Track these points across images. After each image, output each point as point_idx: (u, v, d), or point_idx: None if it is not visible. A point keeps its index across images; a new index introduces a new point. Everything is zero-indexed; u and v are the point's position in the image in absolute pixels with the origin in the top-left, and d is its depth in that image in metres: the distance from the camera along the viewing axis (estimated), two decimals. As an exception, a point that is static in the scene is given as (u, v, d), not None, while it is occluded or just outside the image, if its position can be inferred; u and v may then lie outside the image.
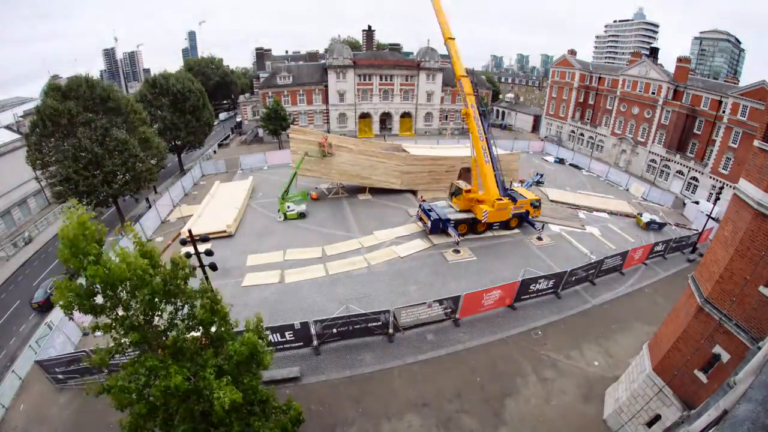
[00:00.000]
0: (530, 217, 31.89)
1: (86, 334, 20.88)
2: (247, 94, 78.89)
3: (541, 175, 44.86)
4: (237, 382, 9.73)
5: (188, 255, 14.77)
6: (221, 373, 9.41)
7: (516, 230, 32.26)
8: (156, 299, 8.98)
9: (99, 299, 8.72)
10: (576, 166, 52.87)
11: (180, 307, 9.84)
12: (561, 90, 66.28)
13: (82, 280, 8.62)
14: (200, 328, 9.99)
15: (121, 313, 8.96)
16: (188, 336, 9.90)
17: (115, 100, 31.83)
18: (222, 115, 79.94)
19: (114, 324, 8.95)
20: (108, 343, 9.30)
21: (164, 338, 9.71)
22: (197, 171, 46.77)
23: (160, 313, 9.48)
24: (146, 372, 8.76)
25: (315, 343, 19.36)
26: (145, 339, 9.09)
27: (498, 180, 29.74)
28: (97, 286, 8.37)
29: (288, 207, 33.42)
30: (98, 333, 9.12)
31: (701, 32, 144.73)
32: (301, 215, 33.79)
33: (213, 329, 10.18)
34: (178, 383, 8.35)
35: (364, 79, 64.12)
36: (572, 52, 64.25)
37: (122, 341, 9.10)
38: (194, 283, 10.47)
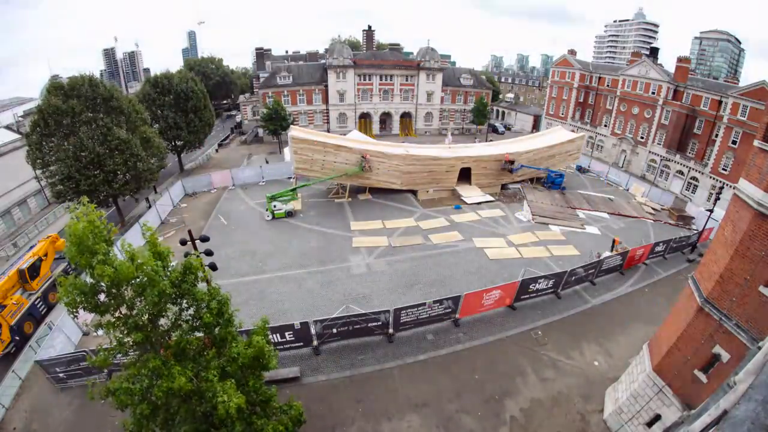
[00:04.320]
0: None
1: (86, 333, 20.89)
2: (247, 94, 78.94)
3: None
4: (240, 384, 9.73)
5: (187, 255, 14.81)
6: (224, 374, 9.39)
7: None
8: (163, 300, 8.98)
9: (102, 297, 8.73)
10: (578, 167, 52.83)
11: (185, 308, 9.83)
12: (561, 90, 66.29)
13: (87, 278, 8.63)
14: (204, 329, 9.97)
15: (124, 311, 8.97)
16: (191, 337, 9.88)
17: (118, 99, 31.87)
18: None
19: (117, 323, 8.97)
20: (110, 342, 9.31)
21: (167, 338, 9.70)
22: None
23: (165, 314, 9.48)
24: (149, 373, 8.76)
25: (315, 343, 19.38)
26: (148, 339, 9.09)
27: None
28: (103, 284, 8.38)
29: (275, 206, 33.50)
30: (100, 331, 9.14)
31: (701, 32, 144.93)
32: (289, 214, 33.92)
33: (217, 330, 10.18)
34: (182, 384, 8.34)
35: (364, 79, 64.13)
36: (572, 52, 64.26)
37: (125, 341, 9.10)
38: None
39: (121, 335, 9.12)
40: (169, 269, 9.49)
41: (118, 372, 10.22)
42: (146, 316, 9.04)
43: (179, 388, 8.37)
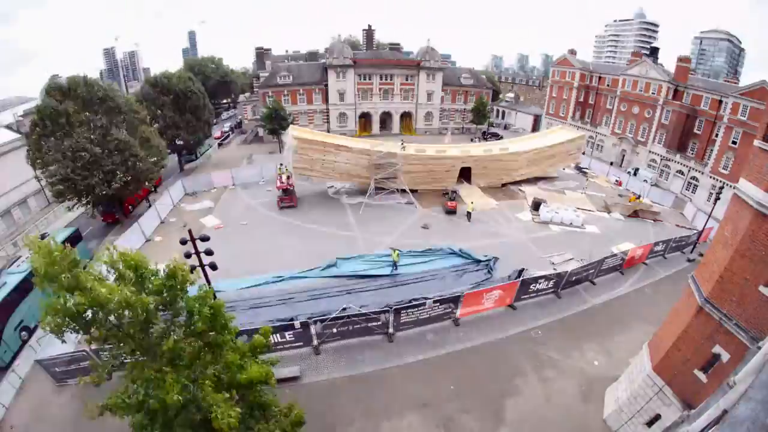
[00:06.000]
0: None
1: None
2: (247, 94, 78.83)
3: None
4: (238, 387, 9.61)
5: (188, 255, 14.75)
6: (220, 384, 9.21)
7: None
8: (149, 313, 8.66)
9: (89, 313, 8.42)
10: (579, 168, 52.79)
11: (176, 316, 9.57)
12: (561, 89, 66.23)
13: (69, 302, 8.20)
14: (198, 337, 9.67)
15: (114, 322, 8.67)
16: (185, 344, 9.54)
17: (114, 99, 31.83)
18: (224, 116, 75.50)
19: (108, 335, 8.69)
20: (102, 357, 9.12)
21: (161, 345, 9.48)
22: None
23: (154, 323, 9.16)
24: (143, 384, 8.61)
25: (315, 342, 19.38)
26: (140, 348, 8.91)
27: None
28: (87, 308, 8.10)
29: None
30: (93, 346, 8.96)
31: (701, 32, 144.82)
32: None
33: (211, 337, 9.90)
34: (174, 401, 8.13)
35: (364, 79, 64.10)
36: (572, 52, 64.22)
37: (117, 352, 8.92)
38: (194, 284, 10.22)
39: (115, 347, 8.93)
40: (150, 279, 9.07)
41: (118, 372, 10.07)
42: (137, 328, 8.77)
43: (174, 401, 8.18)
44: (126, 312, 8.55)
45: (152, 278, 9.12)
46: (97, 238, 32.35)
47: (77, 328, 8.25)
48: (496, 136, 65.65)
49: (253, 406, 10.49)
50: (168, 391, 8.17)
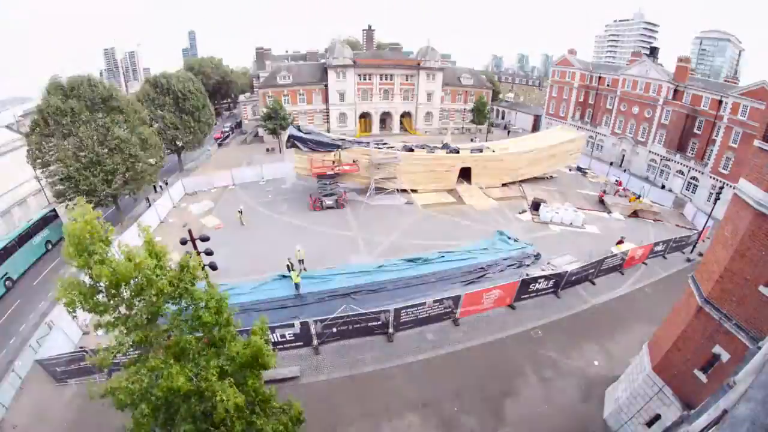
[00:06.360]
0: None
1: (86, 333, 20.90)
2: (247, 94, 78.84)
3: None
4: (239, 384, 9.70)
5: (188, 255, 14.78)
6: (223, 374, 9.38)
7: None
8: (161, 299, 8.96)
9: (101, 297, 8.73)
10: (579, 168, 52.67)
11: (184, 308, 9.81)
12: (561, 89, 66.23)
13: (85, 278, 8.62)
14: (203, 328, 9.91)
15: (124, 311, 8.95)
16: (191, 337, 9.86)
17: (117, 98, 31.85)
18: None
19: (117, 323, 8.96)
20: (110, 341, 9.30)
21: (167, 338, 9.68)
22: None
23: (163, 313, 9.46)
24: (147, 372, 8.75)
25: (315, 342, 19.39)
26: (148, 339, 9.07)
27: None
28: (101, 284, 8.38)
29: None
30: (101, 332, 9.12)
31: (701, 32, 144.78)
32: None
33: (216, 330, 10.14)
34: (180, 385, 8.32)
35: (364, 79, 64.10)
36: (572, 52, 64.24)
37: (124, 340, 9.09)
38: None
39: (120, 335, 9.10)
40: (167, 269, 9.47)
41: (119, 371, 10.19)
42: (145, 316, 9.02)
43: (178, 388, 8.35)
44: (137, 301, 8.89)
45: (168, 269, 9.56)
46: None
47: (89, 306, 8.54)
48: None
49: (255, 402, 10.55)
50: (174, 379, 8.35)
